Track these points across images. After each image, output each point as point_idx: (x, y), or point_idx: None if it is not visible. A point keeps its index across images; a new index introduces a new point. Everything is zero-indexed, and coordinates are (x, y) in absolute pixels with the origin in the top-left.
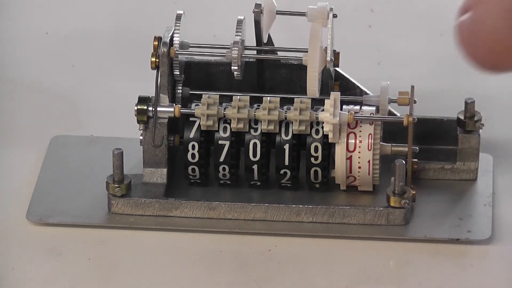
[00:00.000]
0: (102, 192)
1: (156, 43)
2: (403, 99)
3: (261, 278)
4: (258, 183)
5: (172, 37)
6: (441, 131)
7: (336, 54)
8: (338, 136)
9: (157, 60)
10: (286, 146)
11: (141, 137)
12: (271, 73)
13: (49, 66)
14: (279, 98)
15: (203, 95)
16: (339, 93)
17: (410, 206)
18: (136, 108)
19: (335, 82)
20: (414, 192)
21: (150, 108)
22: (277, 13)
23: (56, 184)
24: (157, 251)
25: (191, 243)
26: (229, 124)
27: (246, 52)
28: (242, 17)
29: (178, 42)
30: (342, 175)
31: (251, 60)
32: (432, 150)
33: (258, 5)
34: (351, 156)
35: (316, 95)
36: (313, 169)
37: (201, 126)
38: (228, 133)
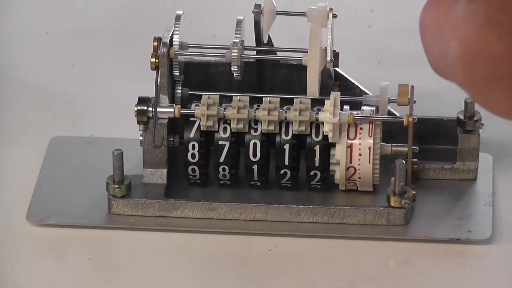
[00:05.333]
0: (102, 193)
1: (156, 43)
2: (402, 94)
3: (261, 278)
4: (258, 183)
5: (171, 37)
6: (441, 131)
7: (335, 54)
8: (338, 136)
9: (156, 60)
10: (286, 146)
11: (141, 138)
12: (271, 74)
13: (49, 66)
14: (279, 98)
15: (203, 95)
16: (339, 92)
17: (410, 206)
18: (136, 108)
19: (334, 82)
20: (414, 192)
21: (150, 109)
22: (277, 13)
23: (56, 184)
24: (157, 252)
25: (191, 243)
26: (229, 124)
27: (246, 52)
28: (241, 18)
29: (178, 42)
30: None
31: (250, 60)
32: (432, 150)
33: (258, 6)
34: (351, 156)
35: (316, 95)
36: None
37: (201, 127)
38: (228, 134)
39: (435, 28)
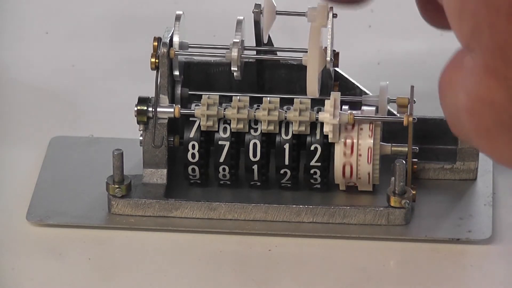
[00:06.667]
0: (102, 193)
1: (156, 43)
2: (402, 103)
3: (261, 278)
4: (258, 183)
5: (171, 37)
6: (441, 131)
7: (335, 54)
8: (338, 136)
9: (156, 60)
10: (286, 146)
11: (141, 138)
12: (271, 74)
13: (49, 66)
14: (279, 98)
15: (203, 95)
16: (339, 93)
17: (410, 206)
18: (136, 108)
19: (334, 82)
20: (414, 192)
21: (150, 109)
22: (277, 13)
23: (56, 184)
24: (157, 252)
25: (191, 243)
26: (229, 124)
27: (246, 52)
28: (241, 18)
29: (178, 42)
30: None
31: (250, 60)
32: (432, 150)
33: (258, 5)
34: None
35: (316, 95)
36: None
37: (201, 127)
38: (228, 134)
39: (448, 85)
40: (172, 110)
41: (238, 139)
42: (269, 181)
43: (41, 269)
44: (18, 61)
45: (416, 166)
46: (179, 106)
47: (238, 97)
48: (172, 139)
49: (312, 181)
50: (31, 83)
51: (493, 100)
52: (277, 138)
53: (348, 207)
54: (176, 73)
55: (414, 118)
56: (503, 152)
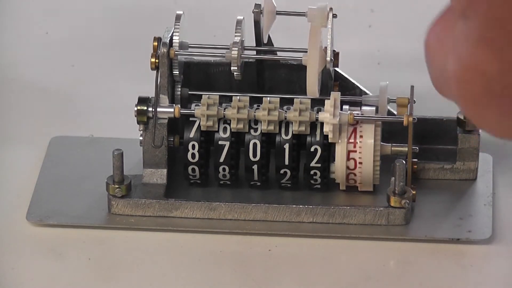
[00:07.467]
0: (102, 193)
1: (156, 43)
2: (402, 103)
3: (261, 278)
4: (258, 183)
5: (171, 37)
6: (441, 131)
7: (335, 54)
8: (338, 136)
9: (156, 60)
10: (286, 146)
11: (141, 138)
12: (271, 74)
13: (49, 66)
14: (279, 98)
15: (203, 95)
16: (339, 93)
17: (410, 206)
18: (136, 108)
19: (334, 82)
20: (414, 192)
21: (150, 109)
22: (277, 13)
23: (56, 184)
24: (157, 252)
25: (191, 243)
26: (229, 124)
27: (246, 52)
28: (241, 17)
29: (178, 42)
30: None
31: (250, 60)
32: (432, 150)
33: (257, 6)
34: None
35: (316, 95)
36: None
37: (201, 127)
38: (228, 134)
39: (437, 45)
40: (172, 110)
41: (238, 139)
42: (269, 181)
43: (41, 269)
44: (18, 61)
45: (416, 166)
46: (179, 106)
47: (238, 97)
48: (172, 139)
49: (312, 181)
50: (31, 83)
51: (485, 70)
52: (277, 138)
53: (348, 207)
54: (176, 73)
55: (414, 118)
56: (489, 121)
